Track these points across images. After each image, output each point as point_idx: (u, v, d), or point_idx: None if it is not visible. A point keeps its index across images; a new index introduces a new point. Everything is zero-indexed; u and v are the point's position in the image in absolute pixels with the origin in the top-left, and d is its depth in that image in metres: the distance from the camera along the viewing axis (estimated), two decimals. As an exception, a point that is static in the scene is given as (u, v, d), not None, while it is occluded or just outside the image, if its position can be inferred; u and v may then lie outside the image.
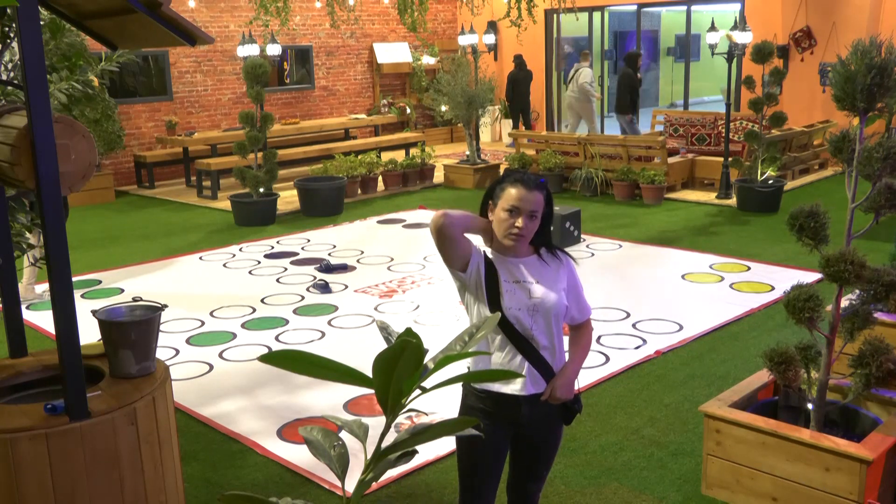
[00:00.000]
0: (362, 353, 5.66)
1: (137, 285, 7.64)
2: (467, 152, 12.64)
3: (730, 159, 10.63)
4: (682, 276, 7.49)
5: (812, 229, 3.55)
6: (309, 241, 9.30)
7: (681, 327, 6.16)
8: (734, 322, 6.27)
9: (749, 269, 7.69)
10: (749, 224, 9.47)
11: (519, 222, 2.74)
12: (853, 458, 3.42)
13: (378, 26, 16.48)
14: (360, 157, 11.93)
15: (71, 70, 4.17)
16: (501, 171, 11.39)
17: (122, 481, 2.95)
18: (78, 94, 4.14)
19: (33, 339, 4.63)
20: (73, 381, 2.85)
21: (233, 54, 13.89)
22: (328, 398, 5.03)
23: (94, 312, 3.29)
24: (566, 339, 2.94)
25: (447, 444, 4.18)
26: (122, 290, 7.49)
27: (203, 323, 6.57)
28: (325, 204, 10.59)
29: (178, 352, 5.96)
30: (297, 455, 4.33)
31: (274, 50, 12.51)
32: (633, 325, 6.23)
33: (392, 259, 8.36)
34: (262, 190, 10.22)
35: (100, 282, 7.80)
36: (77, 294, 7.12)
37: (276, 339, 6.18)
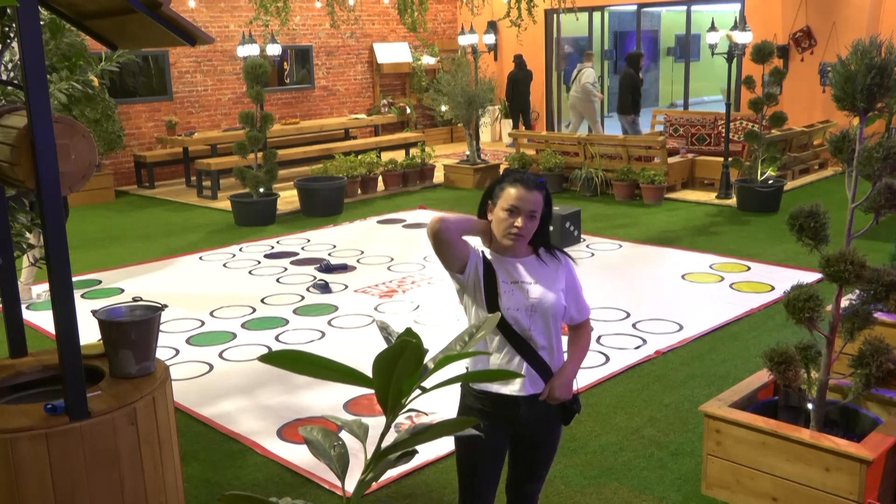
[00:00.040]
0: (362, 353, 5.66)
1: (137, 285, 7.64)
2: (467, 152, 12.64)
3: (730, 159, 10.64)
4: (682, 276, 7.49)
5: (812, 229, 3.55)
6: (309, 241, 9.30)
7: (681, 327, 6.16)
8: (734, 322, 6.27)
9: (749, 269, 7.69)
10: (749, 224, 9.47)
11: (518, 222, 2.74)
12: (853, 458, 3.42)
13: (378, 26, 16.48)
14: (360, 157, 11.93)
15: (71, 70, 4.17)
16: (501, 171, 11.40)
17: (122, 481, 2.95)
18: (78, 94, 4.15)
19: (33, 339, 4.62)
20: (73, 381, 2.85)
21: (233, 54, 13.89)
22: (328, 398, 5.03)
23: (94, 312, 3.29)
24: (565, 340, 2.94)
25: (447, 444, 4.17)
26: (122, 290, 7.49)
27: (203, 323, 6.57)
28: (325, 204, 10.60)
29: (178, 352, 5.96)
30: (297, 455, 4.33)
31: (274, 50, 12.51)
32: (633, 325, 6.23)
33: (392, 259, 8.36)
34: (262, 190, 10.22)
35: (100, 282, 7.80)
36: (77, 294, 7.12)
37: (276, 339, 6.18)
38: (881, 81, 3.32)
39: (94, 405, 2.93)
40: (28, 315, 6.46)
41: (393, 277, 7.70)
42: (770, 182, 10.11)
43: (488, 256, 2.84)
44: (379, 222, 10.19)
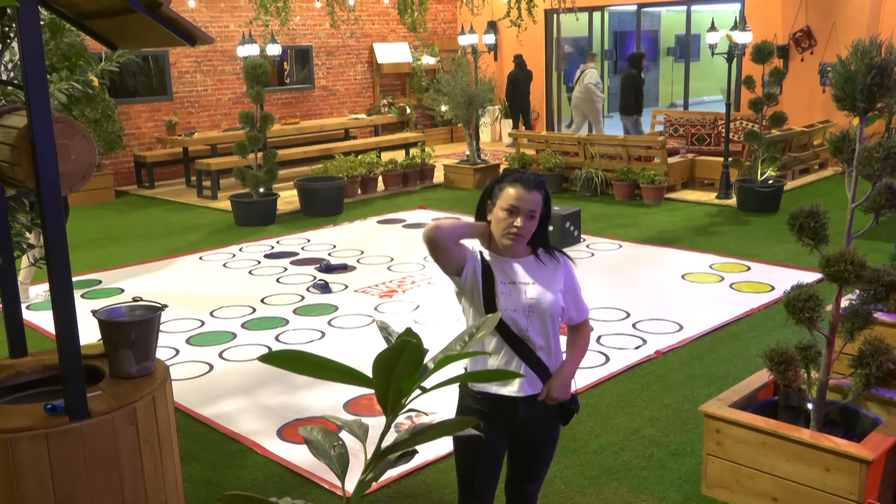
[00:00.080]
0: (362, 353, 5.67)
1: (137, 285, 7.64)
2: (467, 152, 12.64)
3: (730, 159, 10.64)
4: (682, 276, 7.49)
5: (812, 229, 3.55)
6: (309, 241, 9.30)
7: (681, 327, 6.16)
8: (734, 322, 6.27)
9: (749, 269, 7.69)
10: (749, 224, 9.47)
11: (518, 222, 2.74)
12: (853, 458, 3.42)
13: (378, 26, 16.48)
14: (360, 157, 11.93)
15: (71, 70, 4.18)
16: (501, 171, 11.42)
17: (122, 481, 2.95)
18: (78, 94, 4.15)
19: (33, 339, 4.63)
20: (73, 381, 2.85)
21: (233, 54, 13.89)
22: (328, 398, 5.03)
23: (94, 312, 3.29)
24: (564, 340, 2.94)
25: (447, 444, 4.17)
26: (122, 290, 7.49)
27: (203, 323, 6.57)
28: (325, 204, 10.60)
29: (178, 352, 5.96)
30: (297, 455, 4.33)
31: (274, 50, 12.51)
32: (633, 325, 6.23)
33: (392, 259, 8.36)
34: (262, 190, 10.22)
35: (100, 282, 7.80)
36: (77, 294, 7.12)
37: (276, 339, 6.18)
38: (881, 81, 3.32)
39: (94, 405, 2.93)
40: (28, 315, 6.46)
41: (393, 277, 7.70)
42: (770, 182, 10.11)
43: (486, 257, 2.84)
44: (379, 222, 10.19)
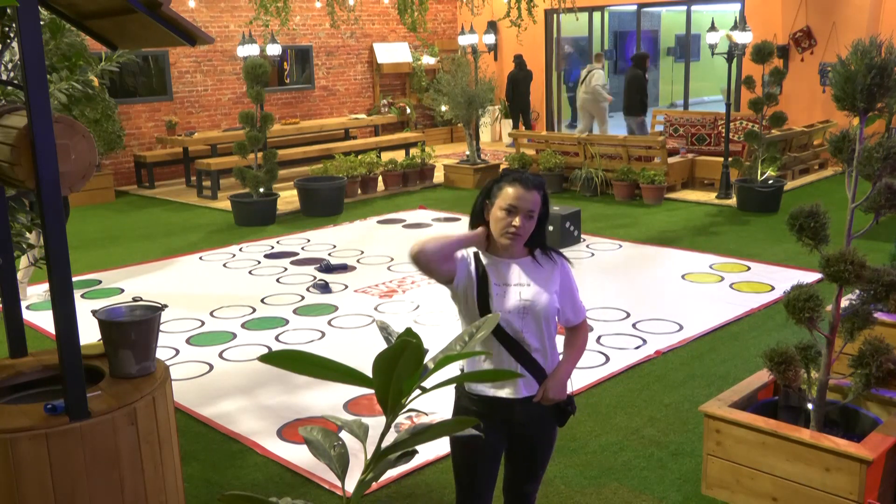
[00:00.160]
0: (362, 353, 5.66)
1: (137, 285, 7.64)
2: (467, 152, 12.64)
3: (730, 159, 10.64)
4: (682, 276, 7.49)
5: (812, 229, 3.55)
6: (309, 241, 9.30)
7: (681, 327, 6.16)
8: (734, 322, 6.27)
9: (749, 269, 7.69)
10: (749, 224, 9.47)
11: (516, 221, 2.73)
12: (853, 458, 3.42)
13: (378, 26, 16.48)
14: (360, 157, 11.93)
15: (71, 70, 4.18)
16: (500, 171, 11.42)
17: (122, 481, 2.95)
18: (78, 94, 4.15)
19: (33, 339, 4.62)
20: (73, 381, 2.85)
21: (233, 54, 13.89)
22: (328, 398, 5.03)
23: (94, 312, 3.29)
24: (562, 341, 2.94)
25: (447, 444, 4.17)
26: (122, 290, 7.49)
27: (203, 323, 6.57)
28: (325, 204, 10.60)
29: (178, 352, 5.96)
30: (297, 455, 4.33)
31: (274, 50, 12.51)
32: (633, 325, 6.23)
33: (392, 259, 8.36)
34: (262, 190, 10.22)
35: (100, 282, 7.80)
36: (77, 294, 7.12)
37: (276, 339, 6.18)
38: (881, 81, 3.32)
39: (94, 405, 2.93)
40: (28, 315, 6.46)
41: (393, 277, 7.70)
42: (770, 182, 10.11)
43: (482, 258, 2.83)
44: (379, 222, 10.19)
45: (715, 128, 12.08)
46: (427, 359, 1.40)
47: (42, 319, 6.57)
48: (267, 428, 4.70)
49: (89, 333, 4.01)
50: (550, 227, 8.05)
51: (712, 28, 10.67)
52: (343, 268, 8.02)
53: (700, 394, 4.98)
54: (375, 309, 6.81)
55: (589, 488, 3.99)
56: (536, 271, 2.82)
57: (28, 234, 4.84)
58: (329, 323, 6.51)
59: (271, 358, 1.34)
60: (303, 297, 7.17)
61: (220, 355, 5.87)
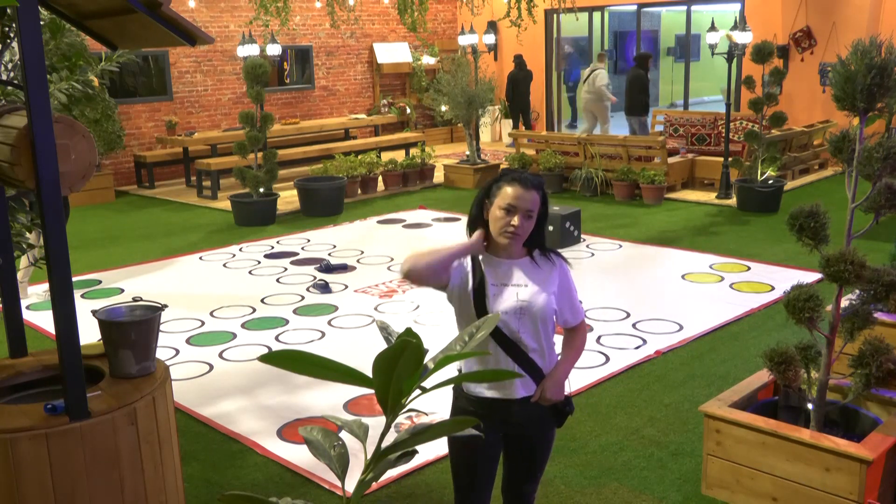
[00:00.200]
0: (362, 353, 5.66)
1: (137, 285, 7.64)
2: (467, 152, 12.64)
3: (730, 159, 10.64)
4: (682, 276, 7.49)
5: (812, 229, 3.55)
6: (309, 241, 9.30)
7: (681, 327, 6.16)
8: (734, 322, 6.27)
9: (749, 269, 7.69)
10: (749, 224, 9.47)
11: (515, 220, 2.73)
12: (853, 458, 3.42)
13: (378, 26, 16.48)
14: (360, 157, 11.93)
15: (71, 70, 4.18)
16: (500, 170, 11.41)
17: (122, 481, 2.95)
18: (78, 94, 4.15)
19: (33, 339, 4.63)
20: (73, 381, 2.85)
21: (233, 54, 13.89)
22: (328, 398, 5.03)
23: (94, 312, 3.29)
24: (559, 341, 2.94)
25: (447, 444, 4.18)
26: (122, 290, 7.49)
27: (203, 323, 6.57)
28: (325, 204, 10.60)
29: (178, 352, 5.96)
30: (297, 455, 4.33)
31: (274, 50, 12.51)
32: (633, 325, 6.23)
33: (392, 259, 8.36)
34: (262, 190, 10.22)
35: (100, 282, 7.80)
36: (77, 294, 7.12)
37: (276, 339, 6.18)
38: (881, 81, 3.32)
39: (94, 405, 2.93)
40: (28, 315, 6.46)
41: (393, 277, 7.70)
42: (770, 182, 10.11)
43: (480, 258, 2.83)
44: (379, 222, 10.19)
45: (715, 128, 12.08)
46: (427, 359, 1.40)
47: (42, 319, 6.57)
48: (267, 428, 4.70)
49: (89, 333, 4.01)
50: (550, 227, 8.05)
51: (712, 28, 10.67)
52: (343, 268, 8.02)
53: (700, 394, 4.98)
54: (375, 309, 6.81)
55: (589, 488, 3.99)
56: (534, 272, 2.81)
57: (28, 234, 4.84)
58: (329, 323, 6.51)
59: (271, 358, 1.34)
60: (303, 297, 7.17)
61: (220, 355, 5.87)
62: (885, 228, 7.64)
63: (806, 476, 3.57)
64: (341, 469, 1.53)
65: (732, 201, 10.49)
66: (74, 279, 5.47)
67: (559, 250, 3.08)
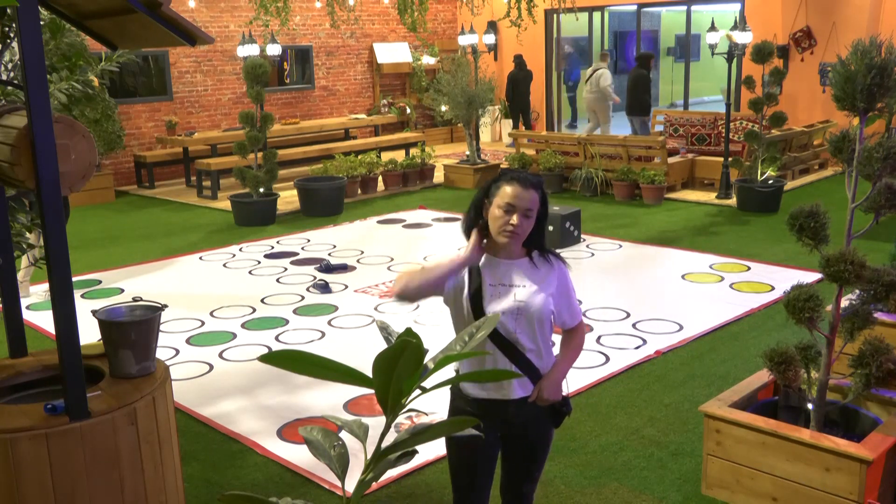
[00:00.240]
0: (362, 353, 5.67)
1: (137, 285, 7.64)
2: (467, 152, 12.64)
3: (730, 159, 10.64)
4: (682, 276, 7.49)
5: (812, 229, 3.55)
6: (309, 241, 9.30)
7: (681, 327, 6.16)
8: (734, 322, 6.27)
9: (749, 269, 7.69)
10: (749, 224, 9.47)
11: (514, 220, 2.73)
12: (853, 458, 3.42)
13: (378, 26, 16.48)
14: (360, 157, 11.93)
15: (71, 70, 4.18)
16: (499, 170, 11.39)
17: (122, 481, 2.95)
18: (78, 94, 4.15)
19: (33, 339, 4.63)
20: (73, 381, 2.85)
21: (233, 54, 13.89)
22: (328, 398, 5.03)
23: (94, 312, 3.29)
24: (559, 342, 2.94)
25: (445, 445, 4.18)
26: (122, 290, 7.49)
27: (203, 323, 6.57)
28: (325, 204, 10.60)
29: (178, 352, 5.96)
30: (297, 455, 4.33)
31: (274, 50, 12.51)
32: (633, 325, 6.23)
33: (392, 259, 8.36)
34: (262, 190, 10.22)
35: (100, 282, 7.80)
36: (77, 294, 7.12)
37: (276, 339, 6.18)
38: (881, 81, 3.32)
39: (94, 405, 2.93)
40: (28, 315, 6.46)
41: (393, 277, 7.69)
42: (770, 182, 10.11)
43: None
44: (379, 222, 10.19)
45: (715, 128, 12.08)
46: (427, 359, 1.40)
47: (42, 319, 6.57)
48: (267, 428, 4.70)
49: (89, 333, 4.01)
50: (550, 227, 8.05)
51: (712, 28, 10.67)
52: (343, 268, 8.02)
53: (700, 394, 4.98)
54: (375, 309, 6.81)
55: (589, 488, 3.99)
56: (533, 273, 2.81)
57: (28, 234, 4.84)
58: (329, 323, 6.51)
59: (271, 358, 1.34)
60: (303, 297, 7.17)
61: (220, 355, 5.87)
62: (885, 228, 7.64)
63: (806, 476, 3.57)
64: (341, 469, 1.53)
65: (732, 201, 10.49)
66: (74, 279, 5.48)
67: (559, 251, 3.08)
